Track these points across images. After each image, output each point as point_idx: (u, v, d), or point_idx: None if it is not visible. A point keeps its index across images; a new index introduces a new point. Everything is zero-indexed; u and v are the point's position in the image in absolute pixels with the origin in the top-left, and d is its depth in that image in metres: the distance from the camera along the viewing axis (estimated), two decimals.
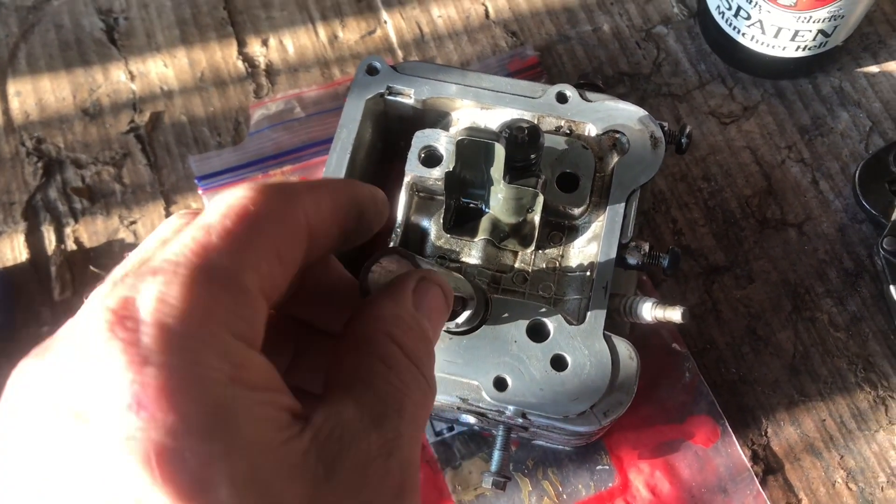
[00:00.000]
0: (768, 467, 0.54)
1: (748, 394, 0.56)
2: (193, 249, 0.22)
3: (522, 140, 0.48)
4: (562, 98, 0.54)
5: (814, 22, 0.57)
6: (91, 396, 0.19)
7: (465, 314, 0.43)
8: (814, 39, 0.59)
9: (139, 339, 0.19)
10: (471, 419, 0.52)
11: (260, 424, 0.21)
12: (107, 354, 0.19)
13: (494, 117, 0.54)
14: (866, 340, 0.57)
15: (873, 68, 0.65)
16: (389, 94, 0.54)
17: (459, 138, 0.47)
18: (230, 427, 0.20)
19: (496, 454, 0.50)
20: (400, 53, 0.66)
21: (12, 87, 0.66)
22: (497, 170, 0.48)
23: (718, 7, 0.61)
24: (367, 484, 0.24)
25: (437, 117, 0.55)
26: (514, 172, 0.49)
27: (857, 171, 0.60)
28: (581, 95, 0.54)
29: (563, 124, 0.54)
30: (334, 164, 0.53)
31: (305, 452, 0.22)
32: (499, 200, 0.51)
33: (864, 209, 0.59)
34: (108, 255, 0.61)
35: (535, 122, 0.54)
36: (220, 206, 0.24)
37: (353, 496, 0.23)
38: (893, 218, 0.57)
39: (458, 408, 0.49)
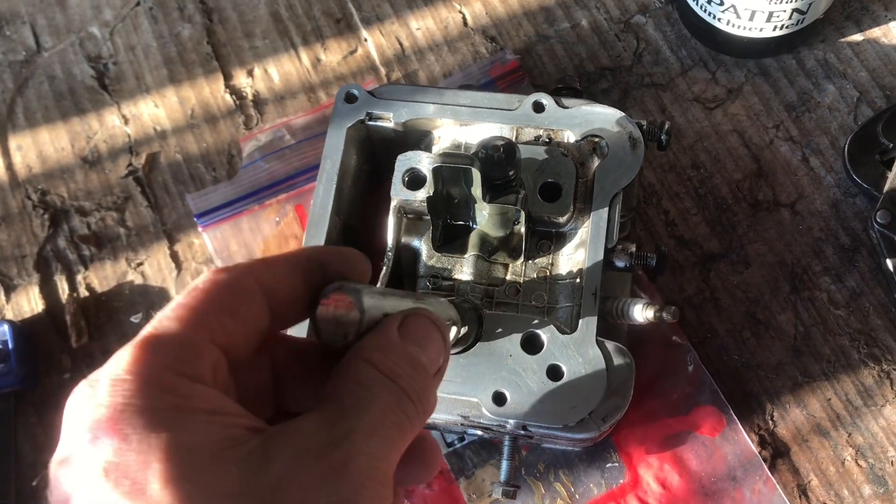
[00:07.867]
0: (776, 451, 0.55)
1: (752, 380, 0.57)
2: (151, 325, 0.29)
3: (499, 158, 0.49)
4: (538, 108, 0.54)
5: (787, 2, 0.56)
6: (67, 447, 0.26)
7: (452, 332, 0.44)
8: (790, 18, 0.58)
9: (96, 392, 0.26)
10: (477, 431, 0.53)
11: (203, 435, 0.26)
12: (76, 409, 0.27)
13: (474, 133, 0.54)
14: (867, 316, 0.57)
15: (857, 37, 0.64)
16: (370, 119, 0.55)
17: (434, 165, 0.48)
18: (167, 440, 0.25)
19: (503, 464, 0.51)
20: (383, 70, 0.67)
21: (13, 142, 0.68)
22: (476, 190, 0.49)
23: None
24: (304, 468, 0.27)
25: (419, 137, 0.56)
26: (495, 190, 0.50)
27: (846, 145, 0.60)
28: (558, 103, 0.54)
29: (542, 133, 0.54)
30: (321, 194, 0.54)
31: (251, 451, 0.27)
32: (484, 217, 0.51)
33: (856, 183, 0.59)
34: (119, 299, 0.63)
35: (514, 134, 0.54)
36: (186, 289, 0.30)
37: (290, 479, 0.26)
38: (885, 190, 0.57)
39: (462, 424, 0.50)
